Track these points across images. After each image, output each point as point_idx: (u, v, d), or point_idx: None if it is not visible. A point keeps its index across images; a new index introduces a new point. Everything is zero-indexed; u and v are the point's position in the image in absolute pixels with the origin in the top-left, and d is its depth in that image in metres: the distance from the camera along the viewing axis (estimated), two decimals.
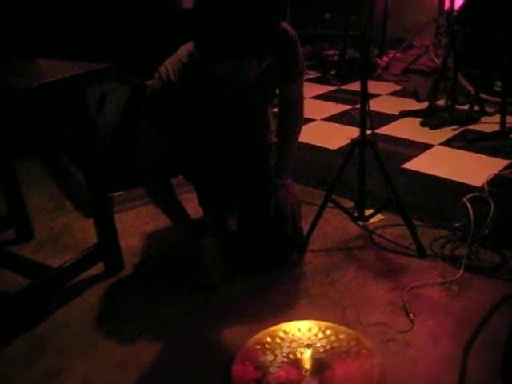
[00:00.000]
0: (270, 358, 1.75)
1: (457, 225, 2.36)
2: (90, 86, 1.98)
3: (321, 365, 1.71)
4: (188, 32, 1.83)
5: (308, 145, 3.04)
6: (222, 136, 2.20)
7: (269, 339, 1.82)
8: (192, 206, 2.33)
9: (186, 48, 1.96)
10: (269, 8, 1.67)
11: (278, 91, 2.25)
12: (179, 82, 1.93)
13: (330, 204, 2.40)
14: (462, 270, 2.15)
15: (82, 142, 2.11)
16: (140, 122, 2.07)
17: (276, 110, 2.31)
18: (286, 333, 1.84)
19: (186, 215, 2.19)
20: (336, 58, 4.64)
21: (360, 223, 2.51)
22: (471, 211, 2.23)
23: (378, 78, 4.35)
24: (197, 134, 2.17)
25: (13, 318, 2.02)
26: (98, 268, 2.28)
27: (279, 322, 1.90)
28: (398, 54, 4.89)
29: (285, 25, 1.98)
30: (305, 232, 2.36)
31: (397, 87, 4.09)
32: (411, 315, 1.93)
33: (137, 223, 2.70)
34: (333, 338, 1.81)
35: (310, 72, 4.58)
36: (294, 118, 2.27)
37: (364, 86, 2.23)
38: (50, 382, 1.76)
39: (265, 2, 1.66)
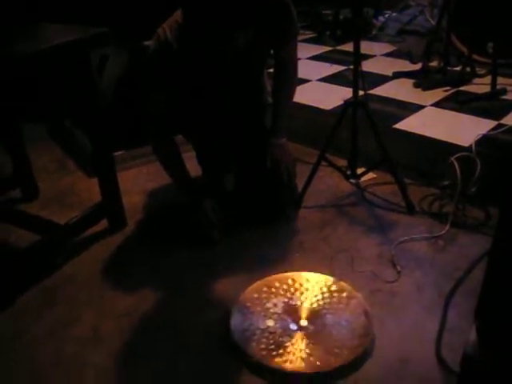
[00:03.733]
0: (266, 306, 1.87)
1: (445, 183, 2.47)
2: (92, 50, 2.06)
3: (313, 313, 1.84)
4: None
5: (303, 105, 3.10)
6: (218, 95, 2.27)
7: (265, 289, 1.95)
8: (191, 165, 2.42)
9: (180, 14, 2.03)
10: None
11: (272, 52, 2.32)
12: (176, 41, 2.01)
13: (323, 163, 2.50)
14: (448, 226, 2.27)
15: (85, 104, 2.19)
16: (141, 81, 2.16)
17: (272, 70, 2.39)
18: (281, 283, 1.97)
19: (188, 175, 2.28)
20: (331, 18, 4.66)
21: (352, 181, 2.62)
22: (459, 170, 2.33)
23: (374, 39, 4.37)
24: (194, 92, 2.24)
25: (24, 272, 2.14)
26: (102, 225, 2.39)
27: (275, 274, 2.02)
28: (394, 14, 4.90)
29: None
30: (299, 189, 2.47)
31: (392, 48, 4.12)
32: (398, 267, 2.05)
33: (138, 181, 2.80)
34: (324, 288, 1.94)
35: (306, 32, 4.59)
36: (287, 79, 2.34)
37: (357, 48, 2.29)
38: (60, 331, 1.89)
39: None
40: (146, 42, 2.25)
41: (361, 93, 2.39)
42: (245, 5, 1.76)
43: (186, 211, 2.33)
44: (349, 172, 2.55)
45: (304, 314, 1.84)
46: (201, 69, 2.12)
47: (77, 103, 2.23)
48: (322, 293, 1.92)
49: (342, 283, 1.95)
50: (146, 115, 2.19)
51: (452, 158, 2.36)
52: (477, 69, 3.31)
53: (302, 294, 1.92)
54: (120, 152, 2.87)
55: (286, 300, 1.90)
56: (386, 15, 4.89)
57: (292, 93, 2.37)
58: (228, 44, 1.98)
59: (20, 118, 2.60)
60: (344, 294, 1.90)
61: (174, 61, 2.03)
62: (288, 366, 1.65)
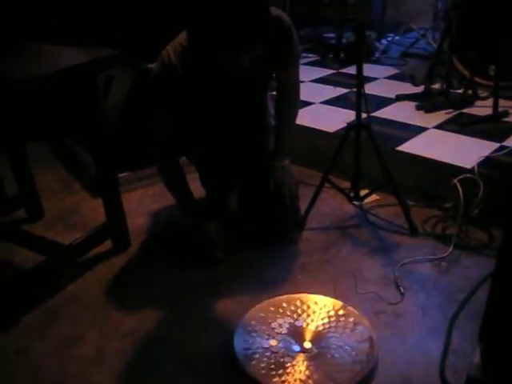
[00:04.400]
0: (271, 326, 1.88)
1: (448, 205, 2.48)
2: (99, 73, 2.09)
3: (318, 336, 1.84)
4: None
5: (306, 127, 3.12)
6: (221, 118, 2.29)
7: (272, 308, 1.96)
8: (194, 187, 2.44)
9: (184, 37, 2.04)
10: (255, 5, 1.77)
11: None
12: (180, 64, 2.03)
13: (326, 185, 2.51)
14: (451, 248, 2.27)
15: (90, 125, 2.21)
16: (145, 103, 2.18)
17: (274, 93, 2.41)
18: (288, 304, 1.97)
19: (191, 196, 2.30)
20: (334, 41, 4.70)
21: (356, 203, 2.63)
22: (461, 192, 2.34)
23: (376, 62, 4.41)
24: (197, 114, 2.26)
25: (28, 292, 2.15)
26: (106, 245, 2.40)
27: (278, 295, 2.03)
28: (396, 38, 4.95)
29: (279, 12, 2.07)
30: (302, 211, 2.48)
31: (394, 71, 4.16)
32: (402, 289, 2.06)
33: (143, 203, 2.82)
34: (332, 312, 1.93)
35: (310, 55, 4.63)
36: (290, 102, 2.37)
37: (360, 71, 2.32)
38: (64, 349, 1.89)
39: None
40: (150, 65, 2.27)
41: (364, 115, 2.41)
42: (251, 28, 1.78)
43: (189, 232, 2.34)
44: (352, 194, 2.56)
45: (308, 336, 1.84)
46: (204, 91, 2.14)
47: (82, 124, 2.25)
48: (329, 316, 1.91)
49: (350, 308, 1.94)
50: (150, 137, 2.21)
51: (455, 180, 2.37)
52: (479, 91, 3.34)
53: (308, 316, 1.92)
54: (125, 173, 2.89)
55: (291, 321, 1.90)
56: (389, 38, 4.95)
57: (294, 115, 2.39)
58: (232, 67, 2.00)
59: (24, 136, 2.62)
60: (351, 319, 1.89)
61: (177, 83, 2.06)
62: None
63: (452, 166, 2.57)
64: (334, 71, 4.24)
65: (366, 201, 2.61)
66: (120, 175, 2.75)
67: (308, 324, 1.89)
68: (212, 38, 1.81)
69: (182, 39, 2.04)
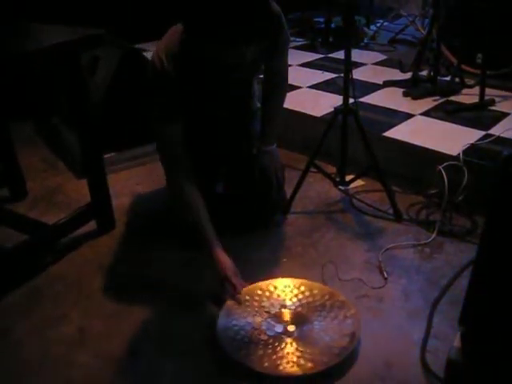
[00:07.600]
0: (259, 306, 1.89)
1: (432, 191, 2.50)
2: (85, 52, 2.06)
3: (299, 317, 1.85)
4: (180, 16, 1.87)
5: (293, 111, 3.12)
6: (208, 103, 2.27)
7: (255, 293, 1.96)
8: None
9: (176, 35, 1.96)
10: None
11: None
12: (173, 69, 1.94)
13: (312, 169, 2.51)
14: (435, 234, 2.29)
15: (76, 105, 2.19)
16: (150, 120, 2.10)
17: (261, 76, 2.39)
18: (267, 289, 1.98)
19: (208, 225, 2.13)
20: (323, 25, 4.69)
21: (341, 188, 2.63)
22: (446, 179, 2.36)
23: (365, 48, 4.41)
24: (185, 99, 2.24)
25: (11, 271, 2.13)
26: (90, 226, 2.39)
27: (262, 278, 2.03)
28: (385, 24, 4.95)
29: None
30: (288, 195, 2.48)
31: (382, 57, 4.15)
32: (385, 274, 2.07)
33: (128, 184, 2.81)
34: (323, 299, 1.93)
35: (298, 39, 4.62)
36: (278, 87, 2.35)
37: (348, 56, 2.31)
38: (47, 329, 1.88)
39: None
40: (138, 45, 2.24)
41: (351, 100, 2.40)
42: (251, 19, 1.74)
43: (174, 213, 2.33)
44: (338, 179, 2.56)
45: (295, 319, 1.84)
46: (198, 84, 2.09)
47: (67, 104, 2.23)
48: (323, 305, 1.90)
49: (345, 300, 1.91)
50: (160, 156, 2.17)
51: (440, 167, 2.39)
52: (466, 79, 3.35)
53: (302, 301, 1.92)
54: (110, 154, 2.87)
55: (284, 303, 1.91)
56: (378, 24, 4.94)
57: (282, 100, 2.38)
58: (233, 61, 1.93)
59: (8, 115, 2.60)
60: (342, 312, 1.86)
61: (174, 87, 1.97)
62: (264, 367, 1.66)
63: (437, 152, 2.59)
64: (323, 56, 4.23)
65: (352, 186, 2.62)
66: (105, 156, 2.73)
67: (299, 309, 1.89)
68: (212, 30, 1.75)
69: (173, 44, 1.95)
